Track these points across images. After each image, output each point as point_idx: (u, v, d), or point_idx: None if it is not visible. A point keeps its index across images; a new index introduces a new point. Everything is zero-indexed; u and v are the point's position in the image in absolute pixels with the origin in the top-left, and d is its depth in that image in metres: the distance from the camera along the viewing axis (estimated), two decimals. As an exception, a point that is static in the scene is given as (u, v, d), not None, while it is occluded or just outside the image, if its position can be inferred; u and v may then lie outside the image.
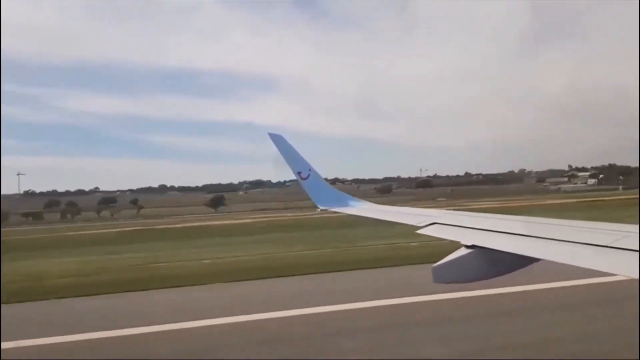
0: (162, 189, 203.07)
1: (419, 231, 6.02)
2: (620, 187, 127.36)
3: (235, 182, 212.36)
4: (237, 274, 22.40)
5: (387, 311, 15.15)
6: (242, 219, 73.65)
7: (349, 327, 13.72)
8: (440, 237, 5.54)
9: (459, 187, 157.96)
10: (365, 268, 22.57)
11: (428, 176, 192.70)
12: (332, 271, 22.08)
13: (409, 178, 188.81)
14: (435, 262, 4.62)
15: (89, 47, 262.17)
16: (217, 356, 11.77)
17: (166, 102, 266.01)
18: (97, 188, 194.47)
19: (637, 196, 76.58)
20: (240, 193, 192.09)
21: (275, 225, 55.31)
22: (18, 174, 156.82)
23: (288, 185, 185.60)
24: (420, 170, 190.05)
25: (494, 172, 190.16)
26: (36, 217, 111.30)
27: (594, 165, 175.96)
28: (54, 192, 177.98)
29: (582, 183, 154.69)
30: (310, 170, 9.42)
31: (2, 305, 16.60)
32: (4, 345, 12.18)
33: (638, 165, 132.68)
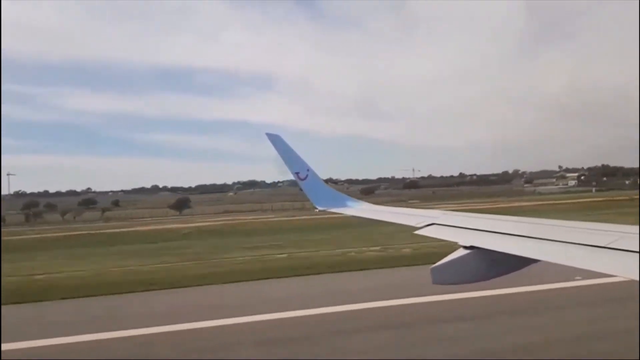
0: (154, 189, 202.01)
1: (417, 232, 5.99)
2: (594, 189, 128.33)
3: (230, 182, 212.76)
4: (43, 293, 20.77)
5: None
6: (188, 223, 72.87)
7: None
8: (438, 238, 5.51)
9: (441, 189, 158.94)
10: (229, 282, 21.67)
11: (423, 177, 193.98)
12: (158, 289, 20.73)
13: (403, 179, 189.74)
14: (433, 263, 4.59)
15: (88, 47, 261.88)
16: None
17: (166, 101, 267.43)
18: (89, 189, 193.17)
19: (604, 199, 77.86)
20: (230, 194, 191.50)
21: (204, 231, 54.50)
22: (8, 174, 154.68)
23: (280, 186, 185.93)
24: (413, 170, 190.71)
25: (491, 172, 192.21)
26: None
27: (590, 165, 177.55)
28: (45, 193, 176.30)
29: (563, 185, 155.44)
30: (308, 170, 9.32)
31: None
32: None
33: (638, 165, 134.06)
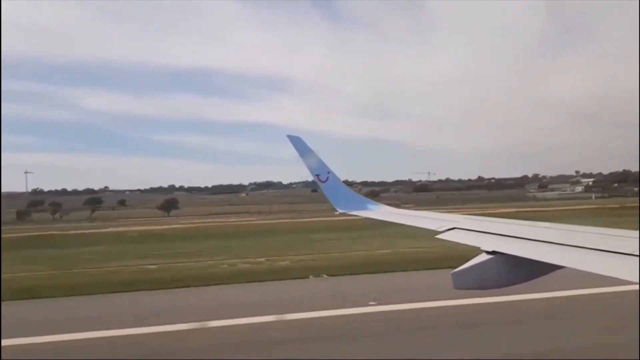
0: (171, 189, 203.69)
1: (438, 236, 5.92)
2: (593, 195, 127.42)
3: (246, 183, 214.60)
4: None
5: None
6: (162, 225, 72.97)
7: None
8: (459, 242, 5.40)
9: (448, 192, 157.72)
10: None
11: (440, 179, 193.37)
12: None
13: (420, 181, 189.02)
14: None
15: (108, 47, 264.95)
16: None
17: (184, 102, 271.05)
18: (106, 187, 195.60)
19: (596, 207, 76.22)
20: (242, 195, 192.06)
21: (154, 235, 54.53)
22: (26, 172, 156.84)
23: (294, 187, 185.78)
24: (429, 174, 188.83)
25: (510, 176, 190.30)
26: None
27: (612, 170, 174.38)
28: (63, 191, 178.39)
29: (570, 191, 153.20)
30: (329, 173, 9.19)
31: None
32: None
33: (638, 167, 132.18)
